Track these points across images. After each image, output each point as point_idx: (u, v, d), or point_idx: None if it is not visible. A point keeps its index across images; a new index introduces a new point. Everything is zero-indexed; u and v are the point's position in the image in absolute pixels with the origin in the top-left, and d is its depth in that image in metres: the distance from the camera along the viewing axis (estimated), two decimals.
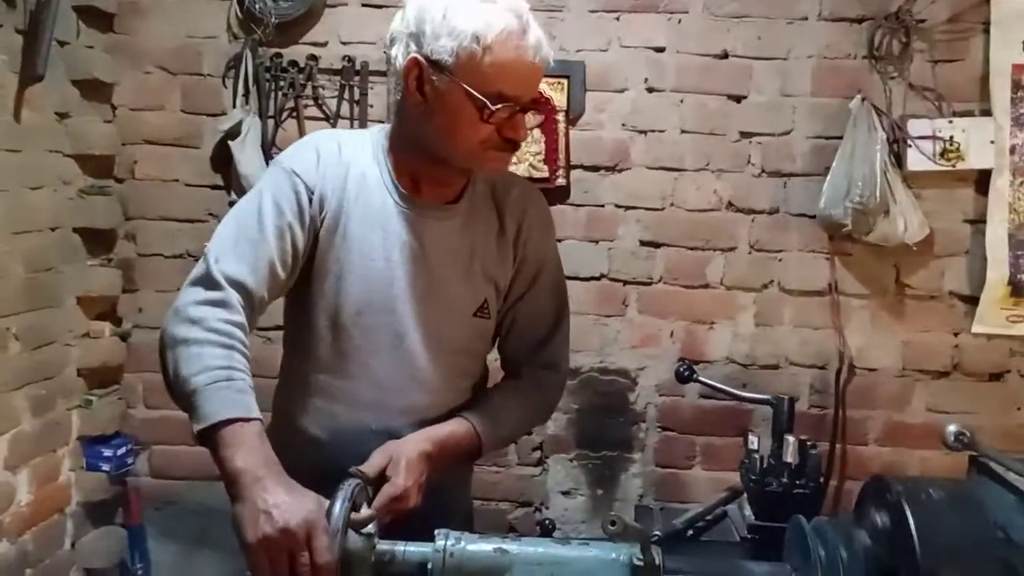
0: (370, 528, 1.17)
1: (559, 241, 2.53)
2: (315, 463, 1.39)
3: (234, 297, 1.25)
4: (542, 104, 1.33)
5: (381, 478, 1.29)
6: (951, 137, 2.47)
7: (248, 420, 1.16)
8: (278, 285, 1.33)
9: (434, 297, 1.39)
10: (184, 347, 1.20)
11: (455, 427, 1.41)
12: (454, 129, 1.29)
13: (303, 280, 1.38)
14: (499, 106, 1.25)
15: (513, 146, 1.33)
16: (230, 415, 1.15)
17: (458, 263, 1.41)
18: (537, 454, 2.67)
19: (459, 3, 1.25)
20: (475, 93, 1.24)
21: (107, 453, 2.59)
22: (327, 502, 1.12)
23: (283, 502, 1.09)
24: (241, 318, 1.25)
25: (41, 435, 2.41)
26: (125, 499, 2.69)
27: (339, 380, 1.41)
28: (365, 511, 1.17)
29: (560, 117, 2.54)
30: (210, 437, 1.15)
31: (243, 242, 1.29)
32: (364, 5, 2.59)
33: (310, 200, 1.34)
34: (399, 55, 1.30)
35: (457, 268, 1.41)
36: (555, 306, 1.52)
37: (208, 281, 1.25)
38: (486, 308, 1.44)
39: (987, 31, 2.49)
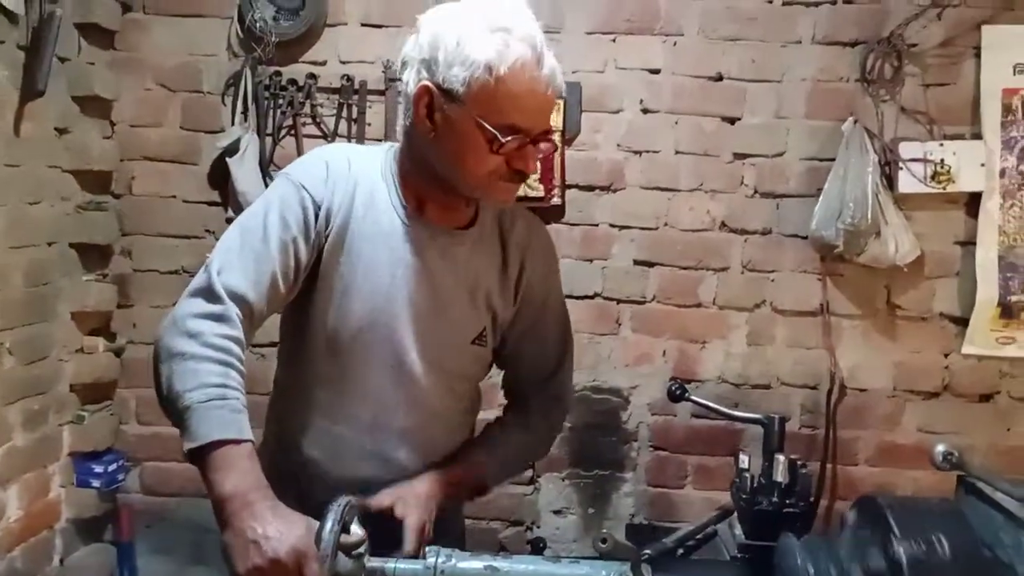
0: (360, 548, 1.18)
1: None
2: (308, 477, 1.40)
3: (234, 311, 1.23)
4: (550, 139, 1.32)
5: (385, 515, 1.29)
6: (942, 160, 2.50)
7: (240, 442, 1.15)
8: (278, 299, 1.32)
9: (436, 321, 1.38)
10: (180, 361, 1.18)
11: (462, 470, 1.43)
12: (463, 158, 1.28)
13: (304, 294, 1.37)
14: (509, 138, 1.24)
15: (521, 177, 1.31)
16: (222, 436, 1.13)
17: (462, 289, 1.40)
18: (529, 473, 2.67)
19: (474, 31, 1.23)
20: (486, 125, 1.23)
21: (98, 469, 2.59)
22: (316, 524, 1.12)
23: (272, 531, 1.08)
24: (239, 333, 1.23)
25: (33, 450, 2.41)
26: (115, 516, 2.68)
27: (336, 397, 1.40)
28: (356, 532, 1.17)
29: (556, 137, 2.55)
30: (200, 457, 1.14)
31: (247, 254, 1.27)
32: (364, 25, 2.62)
33: (316, 215, 1.32)
34: (410, 81, 1.29)
35: (461, 294, 1.40)
36: (560, 340, 1.52)
37: (209, 293, 1.23)
38: (484, 336, 1.43)
39: (978, 56, 2.53)
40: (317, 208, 1.32)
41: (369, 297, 1.35)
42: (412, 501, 1.30)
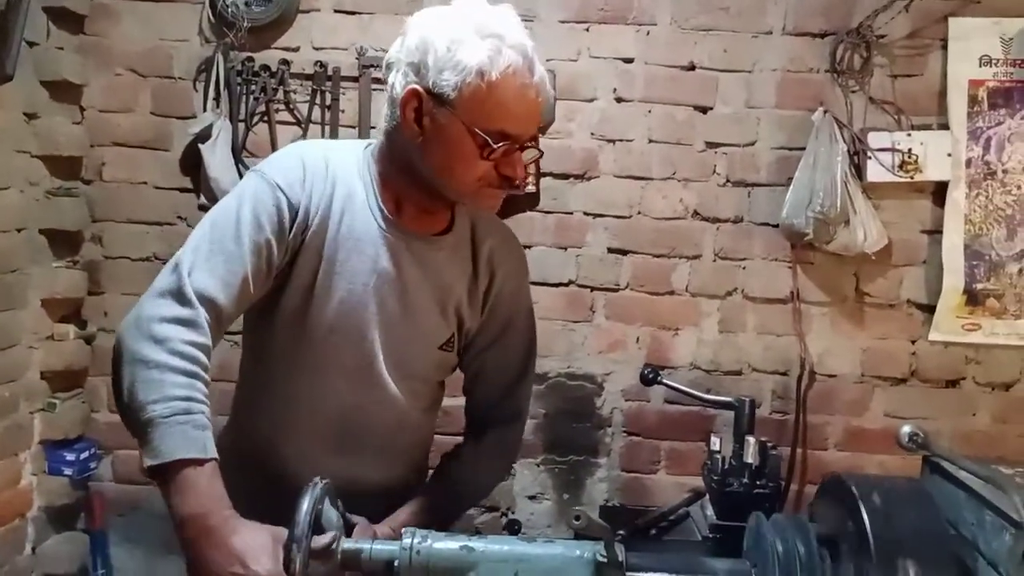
0: (334, 535, 1.18)
1: (528, 248, 2.59)
2: (272, 470, 1.39)
3: (203, 316, 1.19)
4: (536, 145, 1.31)
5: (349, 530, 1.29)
6: (909, 149, 2.54)
7: (203, 461, 1.12)
8: (247, 301, 1.29)
9: (406, 325, 1.38)
10: (144, 368, 1.14)
11: (418, 512, 1.42)
12: (452, 164, 1.27)
13: (275, 291, 1.34)
14: (500, 144, 1.23)
15: (509, 183, 1.30)
16: (185, 455, 1.11)
17: (433, 295, 1.39)
18: None
19: (464, 36, 1.22)
20: (476, 130, 1.22)
21: (70, 457, 2.57)
22: (280, 531, 1.11)
23: (226, 562, 1.08)
24: (207, 340, 1.20)
25: (3, 438, 2.39)
26: (88, 504, 2.67)
27: (303, 393, 1.40)
28: (330, 511, 1.18)
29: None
30: (161, 474, 1.12)
31: (217, 254, 1.23)
32: (337, 11, 2.61)
33: (293, 217, 1.29)
34: (397, 83, 1.27)
35: (432, 300, 1.40)
36: (524, 355, 1.52)
37: (179, 295, 1.19)
38: (451, 342, 1.44)
39: (945, 47, 2.57)
40: (293, 210, 1.29)
41: (342, 300, 1.34)
42: (368, 531, 1.28)
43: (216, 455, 1.15)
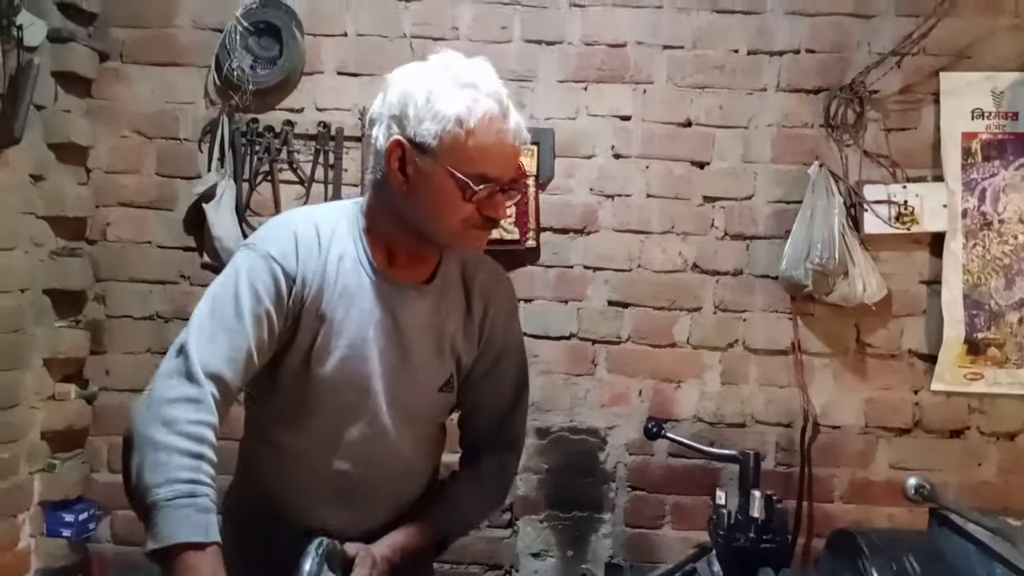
0: None
1: (529, 301, 2.61)
2: (281, 525, 1.40)
3: (209, 393, 1.22)
4: (521, 182, 1.37)
5: (348, 565, 1.30)
6: (905, 201, 2.57)
7: (204, 546, 1.13)
8: (252, 372, 1.32)
9: (406, 372, 1.41)
10: (152, 451, 1.16)
11: (417, 531, 1.44)
12: (437, 208, 1.31)
13: (277, 353, 1.37)
14: (481, 187, 1.28)
15: (492, 224, 1.35)
16: (186, 539, 1.12)
17: (430, 340, 1.43)
18: (507, 516, 2.66)
19: (442, 88, 1.28)
20: (458, 175, 1.27)
21: (69, 518, 2.54)
22: None
23: None
24: (214, 418, 1.22)
25: (2, 499, 2.37)
26: (86, 566, 2.63)
27: (308, 449, 1.42)
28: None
29: (531, 182, 2.61)
30: (163, 558, 1.13)
31: (220, 332, 1.26)
32: (340, 73, 2.66)
33: (290, 286, 1.33)
34: (380, 136, 1.32)
35: (428, 344, 1.43)
36: (516, 385, 1.55)
37: (186, 374, 1.22)
38: (451, 383, 1.47)
39: (937, 101, 2.61)
40: (290, 279, 1.33)
41: (343, 357, 1.37)
42: (368, 560, 1.31)
43: (219, 540, 1.16)
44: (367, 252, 1.39)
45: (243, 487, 1.49)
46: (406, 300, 1.40)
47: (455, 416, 1.59)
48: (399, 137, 1.29)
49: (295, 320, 1.34)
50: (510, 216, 2.59)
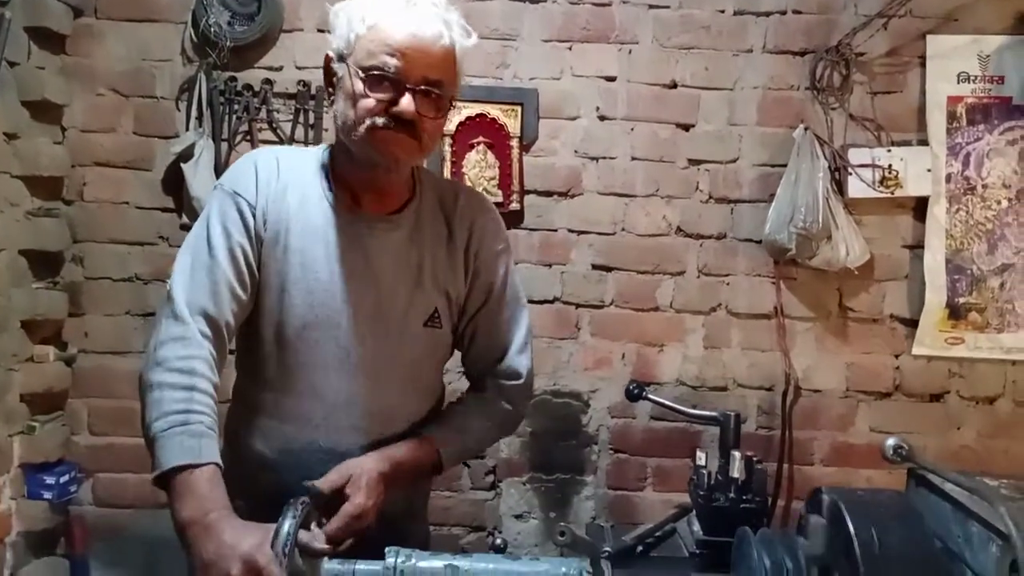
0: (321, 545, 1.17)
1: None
2: (267, 482, 1.39)
3: (196, 331, 1.29)
4: (439, 95, 1.35)
5: (338, 496, 1.29)
6: (890, 165, 2.56)
7: (199, 466, 1.19)
8: (241, 306, 1.36)
9: (381, 309, 1.40)
10: (149, 392, 1.25)
11: (414, 445, 1.42)
12: (346, 109, 1.33)
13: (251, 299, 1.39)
14: (376, 73, 1.29)
15: (408, 127, 1.32)
16: (180, 461, 1.19)
17: (406, 274, 1.42)
18: (490, 478, 2.68)
19: (364, 1, 1.33)
20: (359, 69, 1.30)
21: (49, 481, 2.52)
22: (272, 528, 1.12)
23: (223, 549, 1.12)
24: (202, 351, 1.28)
25: None
26: (68, 529, 2.62)
27: (286, 398, 1.41)
28: (319, 543, 1.17)
29: (514, 143, 2.58)
30: (164, 484, 1.20)
31: (199, 270, 1.33)
32: (320, 31, 2.61)
33: (254, 215, 1.37)
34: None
35: (405, 279, 1.41)
36: (513, 315, 1.53)
37: (171, 316, 1.30)
38: (437, 317, 1.45)
39: (923, 65, 2.60)
40: (252, 209, 1.37)
41: (308, 294, 1.37)
42: (361, 484, 1.30)
43: (215, 459, 1.21)
44: (331, 189, 1.41)
45: (231, 449, 1.47)
46: (375, 233, 1.41)
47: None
48: (328, 52, 1.37)
49: (262, 248, 1.37)
50: (493, 179, 2.56)
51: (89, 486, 2.67)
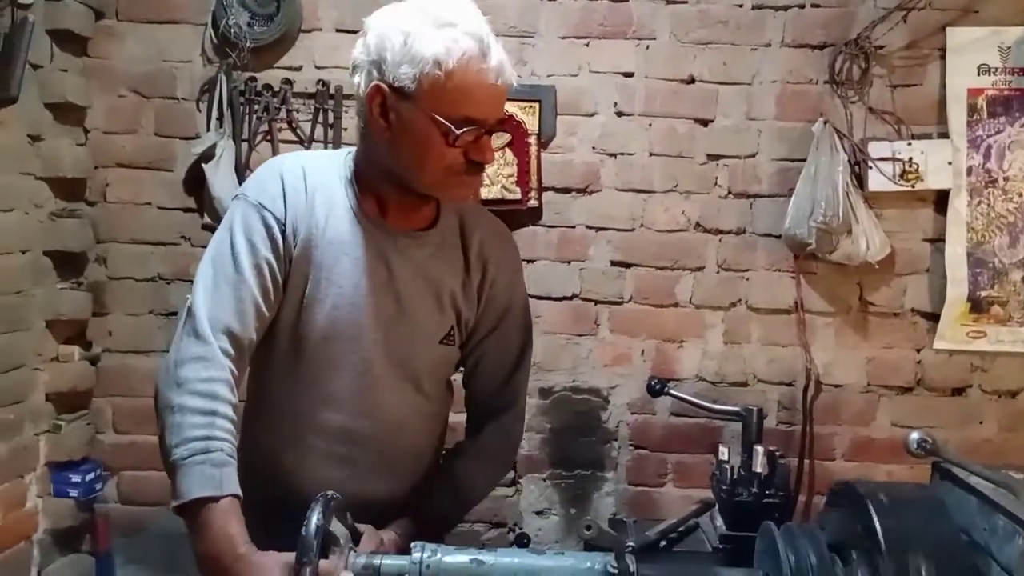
0: (344, 541, 1.18)
1: (531, 262, 2.60)
2: (282, 484, 1.40)
3: (218, 349, 1.25)
4: (508, 124, 1.33)
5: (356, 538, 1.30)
6: (910, 159, 2.54)
7: (218, 499, 1.17)
8: (264, 323, 1.33)
9: (402, 323, 1.39)
10: (169, 414, 1.21)
11: (423, 518, 1.42)
12: (420, 155, 1.28)
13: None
14: (464, 130, 1.24)
15: (479, 169, 1.32)
16: (200, 494, 1.16)
17: (427, 290, 1.40)
18: (511, 474, 2.68)
19: (419, 29, 1.24)
20: (440, 119, 1.24)
21: (75, 479, 2.56)
22: (290, 557, 1.11)
23: None
24: (225, 373, 1.24)
25: (8, 460, 2.38)
26: (93, 526, 2.66)
27: (304, 404, 1.41)
28: (340, 529, 1.18)
29: (532, 140, 2.59)
30: (185, 513, 1.18)
31: (223, 286, 1.28)
32: (339, 30, 2.62)
33: (282, 231, 1.33)
34: (362, 83, 1.29)
35: (426, 295, 1.40)
36: (520, 344, 1.53)
37: (194, 334, 1.25)
38: (452, 335, 1.44)
39: (943, 57, 2.58)
40: (281, 225, 1.33)
41: (332, 306, 1.36)
42: (375, 540, 1.28)
43: (235, 491, 1.19)
44: (358, 200, 1.37)
45: (245, 450, 1.48)
46: (400, 249, 1.38)
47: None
48: (379, 83, 1.26)
49: (289, 264, 1.34)
50: (511, 176, 2.57)
51: (114, 484, 2.71)
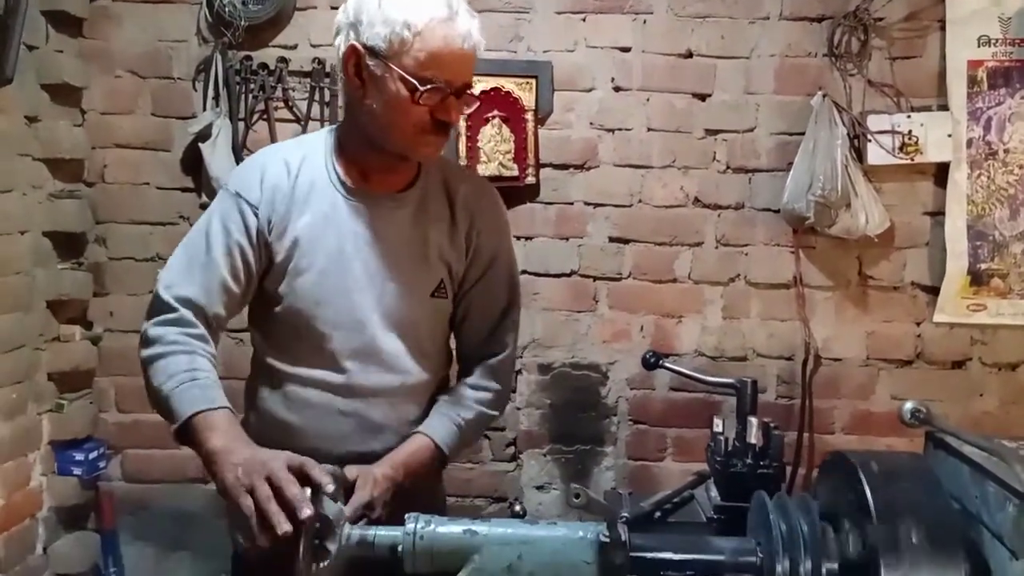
0: (341, 507, 1.20)
1: (530, 239, 2.59)
2: (288, 447, 1.41)
3: (187, 315, 1.36)
4: (472, 94, 1.41)
5: (350, 489, 1.32)
6: (910, 131, 2.53)
7: (214, 409, 1.25)
8: (234, 300, 1.41)
9: (391, 281, 1.45)
10: (151, 364, 1.32)
11: (416, 446, 1.46)
12: (389, 112, 1.34)
13: (262, 282, 1.45)
14: (429, 87, 1.31)
15: (444, 130, 1.38)
16: (196, 409, 1.25)
17: (412, 248, 1.46)
18: (511, 450, 2.70)
19: None
20: (407, 76, 1.31)
21: (79, 457, 2.58)
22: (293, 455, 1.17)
23: (259, 454, 1.18)
24: (199, 330, 1.36)
25: (12, 440, 2.40)
26: (97, 504, 2.68)
27: (305, 367, 1.46)
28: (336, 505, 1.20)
29: (529, 117, 2.58)
30: (185, 432, 1.25)
31: (193, 267, 1.39)
32: (334, 8, 2.60)
33: (256, 215, 1.41)
34: (340, 45, 1.37)
35: (411, 253, 1.46)
36: (507, 294, 1.57)
37: (161, 306, 1.37)
38: (443, 288, 1.50)
39: (943, 28, 2.56)
40: (255, 209, 1.41)
41: (322, 271, 1.42)
42: (369, 481, 1.33)
43: (228, 405, 1.28)
44: (338, 172, 1.45)
45: (253, 422, 1.52)
46: (382, 211, 1.45)
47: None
48: (354, 43, 1.34)
49: (267, 247, 1.42)
50: (508, 153, 2.56)
51: (118, 462, 2.73)
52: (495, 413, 1.60)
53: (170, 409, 1.27)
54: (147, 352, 1.33)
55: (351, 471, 1.33)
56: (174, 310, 1.35)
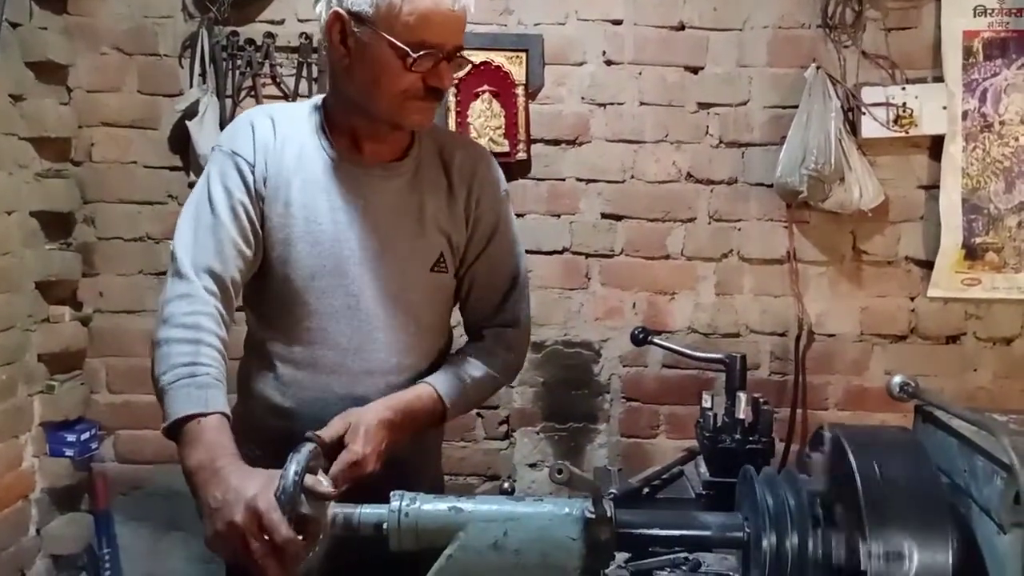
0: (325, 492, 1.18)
1: (521, 216, 2.57)
2: (281, 430, 1.40)
3: (200, 288, 1.30)
4: (464, 57, 1.36)
5: (339, 444, 1.30)
6: (904, 104, 2.50)
7: (206, 415, 1.20)
8: (247, 263, 1.37)
9: (387, 255, 1.41)
10: (157, 348, 1.27)
11: (417, 393, 1.42)
12: (377, 80, 1.30)
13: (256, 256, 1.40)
14: (421, 53, 1.27)
15: (437, 95, 1.34)
16: (186, 412, 1.20)
17: (408, 219, 1.42)
18: (504, 428, 2.69)
19: None
20: (397, 43, 1.26)
21: (71, 438, 2.57)
22: (278, 474, 1.12)
23: (229, 495, 1.10)
24: (208, 307, 1.29)
25: (3, 421, 2.39)
26: (91, 484, 2.68)
27: (298, 346, 1.42)
28: (323, 486, 1.18)
29: (519, 91, 2.55)
30: (173, 435, 1.21)
31: (201, 230, 1.34)
32: None
33: (253, 172, 1.37)
34: (322, 12, 1.33)
35: (407, 224, 1.42)
36: (512, 264, 1.53)
37: (177, 275, 1.31)
38: (443, 262, 1.45)
39: None
40: (252, 167, 1.38)
41: (313, 245, 1.38)
42: (361, 431, 1.28)
43: (222, 408, 1.22)
44: (328, 140, 1.41)
45: (244, 402, 1.49)
46: (374, 181, 1.41)
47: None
48: (338, 9, 1.29)
49: (263, 203, 1.38)
50: (498, 128, 2.54)
51: (110, 443, 2.72)
52: (504, 379, 1.56)
53: (163, 405, 1.23)
54: (157, 333, 1.28)
55: (337, 424, 1.29)
56: (189, 280, 1.30)
